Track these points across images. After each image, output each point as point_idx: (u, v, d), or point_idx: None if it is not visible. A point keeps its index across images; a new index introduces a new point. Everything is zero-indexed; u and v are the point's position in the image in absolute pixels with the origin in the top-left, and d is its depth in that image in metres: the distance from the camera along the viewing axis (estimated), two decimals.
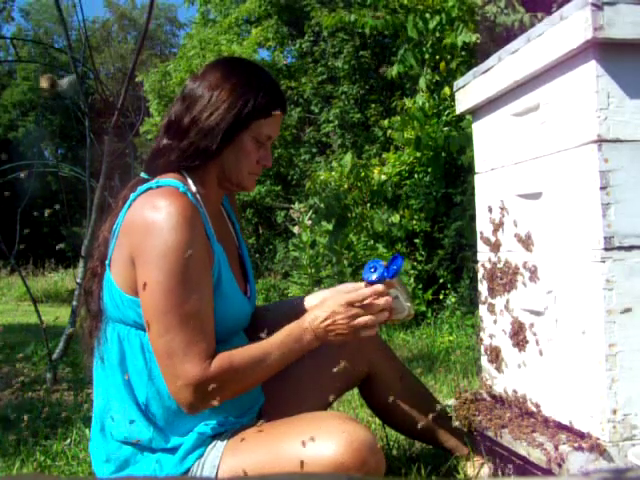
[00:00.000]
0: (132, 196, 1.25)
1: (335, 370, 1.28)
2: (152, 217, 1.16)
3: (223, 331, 1.25)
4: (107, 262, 1.26)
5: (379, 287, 1.25)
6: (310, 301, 1.50)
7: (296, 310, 1.43)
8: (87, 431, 1.92)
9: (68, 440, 1.90)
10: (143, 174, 1.35)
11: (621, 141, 1.19)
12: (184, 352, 1.14)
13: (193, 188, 1.29)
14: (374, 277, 1.28)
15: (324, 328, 1.23)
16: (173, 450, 1.23)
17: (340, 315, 1.23)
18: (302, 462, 1.12)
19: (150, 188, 1.23)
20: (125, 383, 1.23)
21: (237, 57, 1.44)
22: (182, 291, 1.15)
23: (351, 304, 1.24)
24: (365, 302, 1.25)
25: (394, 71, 5.15)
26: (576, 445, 1.18)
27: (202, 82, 1.30)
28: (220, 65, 1.34)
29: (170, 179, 1.26)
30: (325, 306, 1.24)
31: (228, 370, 1.16)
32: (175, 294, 1.14)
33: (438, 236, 5.02)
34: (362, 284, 1.32)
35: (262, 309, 1.56)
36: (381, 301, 1.25)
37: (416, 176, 5.24)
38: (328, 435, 1.12)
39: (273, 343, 1.22)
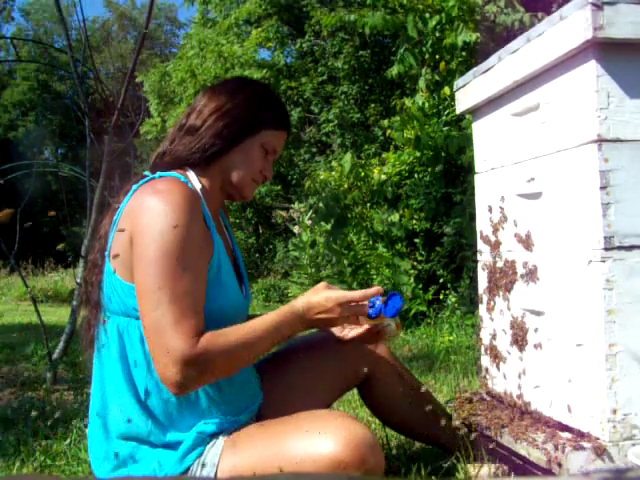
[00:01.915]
0: (134, 187, 1.29)
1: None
2: (152, 199, 1.19)
3: (221, 322, 1.25)
4: (107, 253, 1.27)
5: (372, 290, 1.31)
6: None
7: None
8: (87, 431, 1.92)
9: (68, 440, 1.90)
10: (146, 172, 1.37)
11: (621, 141, 1.19)
12: (173, 328, 1.12)
13: (196, 184, 1.31)
14: (373, 313, 1.36)
15: (317, 319, 1.26)
16: (172, 445, 1.23)
17: (335, 312, 1.25)
18: (301, 460, 1.12)
19: (152, 179, 1.28)
20: (125, 376, 1.23)
21: (252, 78, 1.52)
22: (176, 269, 1.15)
23: (349, 303, 1.26)
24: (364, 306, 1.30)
25: (394, 71, 5.15)
26: (576, 445, 1.18)
27: (217, 91, 1.38)
28: (236, 79, 1.48)
29: (172, 172, 1.30)
30: (323, 299, 1.25)
31: (216, 347, 1.15)
32: (169, 271, 1.15)
33: (437, 232, 5.02)
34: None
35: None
36: (369, 294, 1.31)
37: (416, 176, 5.24)
38: (327, 433, 1.12)
39: (265, 326, 1.21)
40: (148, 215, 1.18)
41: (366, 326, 1.39)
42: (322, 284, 1.30)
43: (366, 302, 1.31)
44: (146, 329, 1.16)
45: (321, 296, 1.25)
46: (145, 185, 1.26)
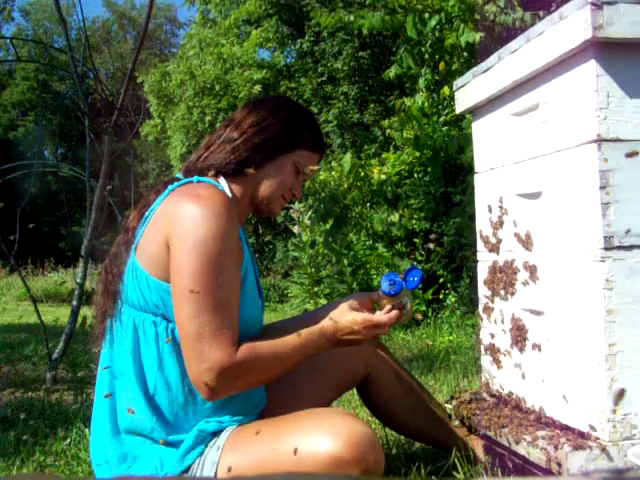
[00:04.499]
0: (170, 187, 1.30)
1: None
2: (194, 205, 1.20)
3: (240, 332, 1.26)
4: (134, 247, 1.27)
5: (394, 315, 1.34)
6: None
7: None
8: (87, 431, 1.92)
9: (68, 440, 1.90)
10: (179, 175, 1.39)
11: (621, 140, 1.19)
12: (213, 336, 1.15)
13: (228, 192, 1.33)
14: (393, 290, 1.38)
15: (343, 339, 1.31)
16: (174, 444, 1.23)
17: (361, 334, 1.31)
18: (301, 458, 1.12)
19: (190, 182, 1.30)
20: (136, 370, 1.24)
21: (292, 99, 1.57)
22: (217, 278, 1.17)
23: (375, 326, 1.31)
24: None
25: (392, 73, 5.15)
26: (576, 445, 1.18)
27: (257, 106, 1.41)
28: (277, 97, 1.48)
29: (209, 178, 1.33)
30: (347, 320, 1.30)
31: (252, 359, 1.18)
32: (211, 280, 1.17)
33: (437, 232, 5.02)
34: (374, 294, 1.42)
35: (277, 325, 1.56)
36: (394, 319, 1.34)
37: (415, 176, 5.24)
38: (327, 430, 1.13)
39: (294, 343, 1.25)
40: (189, 221, 1.18)
41: (388, 307, 1.38)
42: (345, 304, 1.34)
43: (388, 326, 1.34)
44: (184, 335, 1.18)
45: (347, 319, 1.30)
46: (185, 187, 1.27)
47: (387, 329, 1.34)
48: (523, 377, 1.43)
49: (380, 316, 1.32)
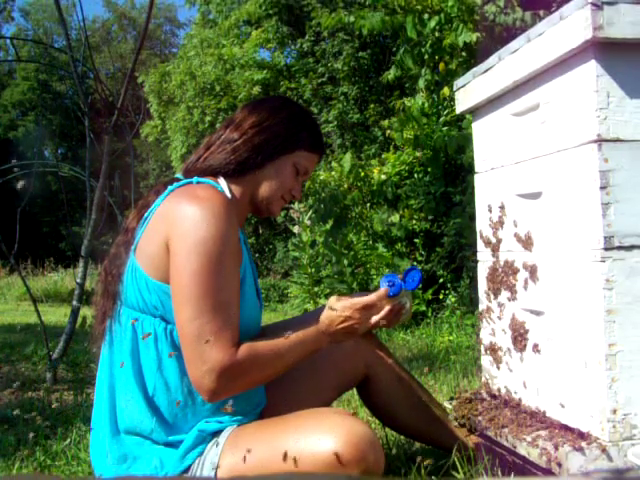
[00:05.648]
0: (170, 188, 1.30)
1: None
2: (193, 206, 1.20)
3: (240, 333, 1.26)
4: (133, 248, 1.27)
5: (383, 292, 1.35)
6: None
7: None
8: (87, 431, 1.92)
9: (68, 440, 1.90)
10: (178, 175, 1.39)
11: (621, 141, 1.19)
12: (214, 337, 1.16)
13: (227, 193, 1.33)
14: (392, 291, 1.38)
15: (339, 329, 1.31)
16: (174, 444, 1.23)
17: (354, 319, 1.30)
18: (301, 457, 1.12)
19: (190, 183, 1.30)
20: (135, 371, 1.24)
21: (292, 99, 1.56)
22: (217, 279, 1.18)
23: (367, 308, 1.31)
24: (381, 308, 1.33)
25: (391, 75, 5.15)
26: (576, 445, 1.18)
27: (257, 106, 1.41)
28: (277, 97, 1.48)
29: (209, 179, 1.33)
30: (340, 309, 1.30)
31: (252, 359, 1.19)
32: (211, 281, 1.17)
33: (437, 232, 5.02)
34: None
35: (275, 327, 1.56)
36: (395, 308, 1.35)
37: (416, 176, 5.24)
38: (327, 430, 1.13)
39: (293, 341, 1.26)
40: (188, 222, 1.18)
41: (387, 307, 1.37)
42: (333, 298, 1.34)
43: (381, 304, 1.34)
44: (184, 337, 1.18)
45: (337, 307, 1.30)
46: (184, 188, 1.27)
47: (382, 312, 1.33)
48: (523, 377, 1.43)
49: (368, 297, 1.32)
